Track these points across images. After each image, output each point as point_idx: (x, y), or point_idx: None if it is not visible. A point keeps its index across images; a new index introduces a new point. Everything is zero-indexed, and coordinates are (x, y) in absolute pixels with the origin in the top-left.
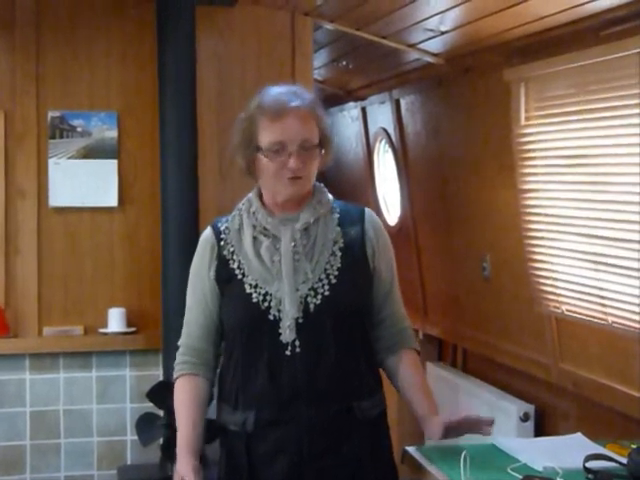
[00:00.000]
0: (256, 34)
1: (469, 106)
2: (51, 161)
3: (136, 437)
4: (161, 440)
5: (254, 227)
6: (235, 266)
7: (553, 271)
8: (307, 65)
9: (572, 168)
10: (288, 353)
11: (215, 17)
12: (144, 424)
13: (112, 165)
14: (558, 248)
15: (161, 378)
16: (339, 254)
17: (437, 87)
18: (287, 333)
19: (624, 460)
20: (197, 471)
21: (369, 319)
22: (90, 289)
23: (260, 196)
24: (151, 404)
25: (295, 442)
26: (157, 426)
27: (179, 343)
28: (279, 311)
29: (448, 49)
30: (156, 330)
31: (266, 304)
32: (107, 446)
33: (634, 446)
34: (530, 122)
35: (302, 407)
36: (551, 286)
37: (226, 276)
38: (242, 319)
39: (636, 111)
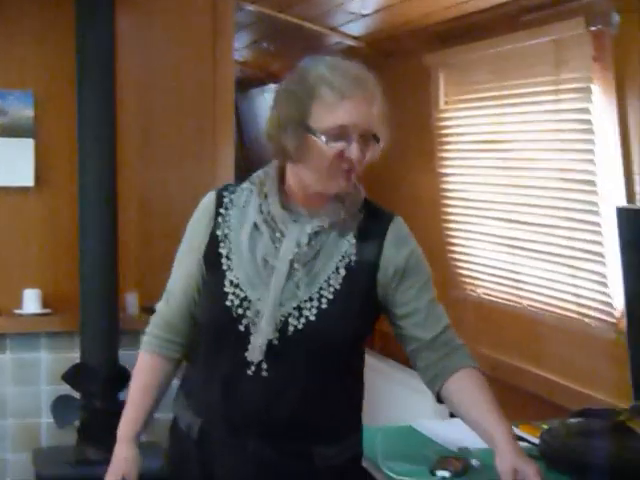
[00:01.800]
0: (176, 14)
1: (390, 90)
2: None
3: (51, 419)
4: (77, 422)
5: (260, 212)
6: (224, 252)
7: (470, 255)
8: (228, 46)
9: (489, 153)
10: (250, 373)
11: None
12: (60, 406)
13: (28, 144)
14: (475, 232)
15: (78, 360)
16: (343, 273)
17: None
18: (255, 353)
19: (536, 440)
20: (134, 460)
21: (412, 347)
22: (4, 269)
23: (281, 175)
24: (67, 386)
25: (239, 474)
26: (73, 408)
27: (157, 307)
28: (253, 324)
29: (369, 33)
30: (73, 312)
31: (240, 311)
32: (22, 428)
33: (546, 427)
34: (449, 107)
35: (252, 439)
36: (468, 270)
37: (212, 259)
38: (209, 320)
39: (552, 97)
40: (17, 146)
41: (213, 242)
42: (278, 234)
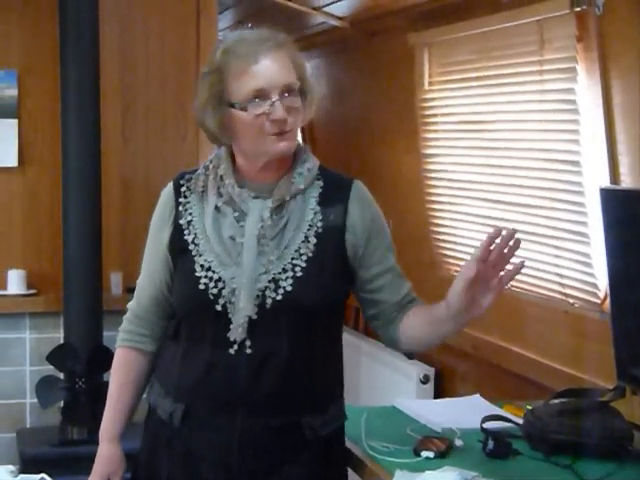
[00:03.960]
0: None
1: (374, 70)
2: None
3: (36, 400)
4: (61, 403)
5: (220, 195)
6: (190, 239)
7: (454, 235)
8: (211, 26)
9: (473, 133)
10: (232, 352)
11: None
12: (44, 387)
13: (12, 124)
14: (459, 212)
15: (62, 341)
16: (313, 241)
17: (342, 51)
18: (238, 331)
19: (520, 420)
20: (119, 460)
21: (376, 310)
22: None
23: (232, 156)
24: (51, 367)
25: (224, 454)
26: (57, 389)
27: (129, 305)
28: (231, 303)
29: (353, 12)
30: (57, 292)
31: (215, 291)
32: (6, 409)
33: (529, 407)
34: (433, 87)
35: (239, 416)
36: (452, 250)
37: (180, 247)
38: (185, 306)
39: (535, 78)
40: (1, 126)
41: (177, 231)
42: (239, 213)
